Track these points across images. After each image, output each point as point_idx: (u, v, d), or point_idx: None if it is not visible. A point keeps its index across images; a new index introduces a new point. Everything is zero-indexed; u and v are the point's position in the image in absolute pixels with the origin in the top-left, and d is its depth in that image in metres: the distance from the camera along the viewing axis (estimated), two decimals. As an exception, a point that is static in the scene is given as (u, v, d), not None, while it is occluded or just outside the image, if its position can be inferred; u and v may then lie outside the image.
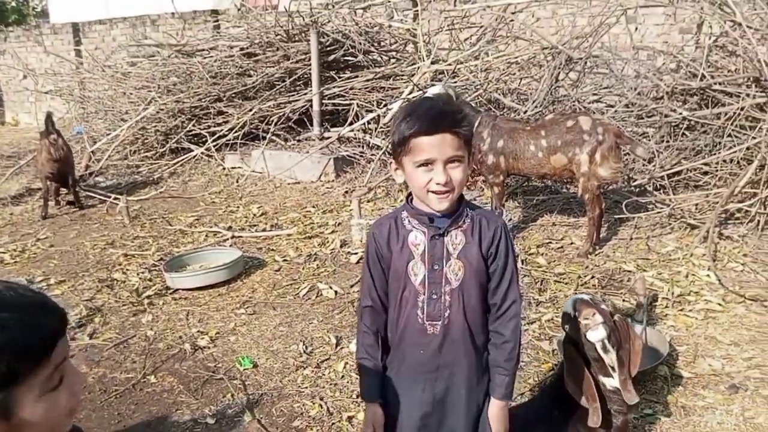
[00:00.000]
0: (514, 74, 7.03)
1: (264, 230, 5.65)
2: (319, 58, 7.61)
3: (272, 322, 3.97)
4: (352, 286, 4.35)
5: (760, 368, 3.12)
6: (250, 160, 7.75)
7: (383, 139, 7.07)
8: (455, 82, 6.66)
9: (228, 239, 5.46)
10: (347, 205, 6.05)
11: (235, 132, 7.98)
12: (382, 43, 8.54)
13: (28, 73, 12.48)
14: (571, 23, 6.74)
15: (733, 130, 5.05)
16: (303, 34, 8.15)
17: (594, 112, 5.45)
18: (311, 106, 7.83)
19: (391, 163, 1.75)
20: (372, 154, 7.00)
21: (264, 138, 7.86)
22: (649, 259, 4.47)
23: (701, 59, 5.42)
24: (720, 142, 5.14)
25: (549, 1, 7.38)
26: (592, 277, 4.24)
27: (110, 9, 14.54)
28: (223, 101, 8.32)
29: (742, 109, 5.00)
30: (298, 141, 8.00)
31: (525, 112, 6.10)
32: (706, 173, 5.22)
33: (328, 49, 8.07)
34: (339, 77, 8.06)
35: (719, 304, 3.76)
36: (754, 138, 4.76)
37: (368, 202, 6.11)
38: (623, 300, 3.90)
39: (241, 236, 5.51)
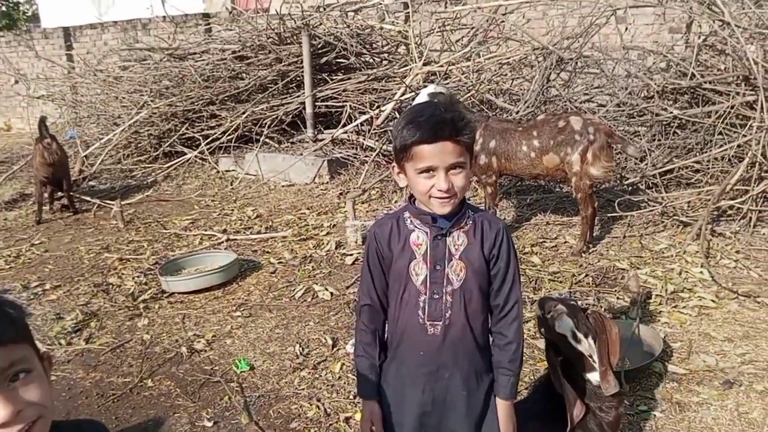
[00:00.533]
0: (506, 75, 7.07)
1: (259, 233, 5.66)
2: (311, 61, 7.63)
3: (268, 324, 3.98)
4: (347, 288, 4.36)
5: (753, 363, 3.15)
6: (243, 162, 7.75)
7: (376, 140, 7.09)
8: (447, 83, 6.68)
9: (223, 242, 5.46)
10: (342, 206, 6.07)
11: (229, 135, 7.98)
12: (374, 45, 8.56)
13: (20, 78, 12.43)
14: (562, 24, 6.78)
15: (723, 128, 5.09)
16: (295, 37, 8.16)
17: (585, 112, 5.49)
18: (304, 108, 7.84)
19: (393, 167, 1.75)
20: (366, 156, 7.02)
21: (257, 141, 7.87)
22: (643, 256, 4.51)
23: (691, 58, 5.47)
24: (711, 140, 5.19)
25: (539, 2, 7.42)
26: (586, 275, 4.27)
27: (101, 13, 14.52)
28: (216, 104, 8.32)
29: (732, 107, 5.05)
30: (292, 143, 8.01)
31: (517, 113, 6.14)
32: (697, 171, 5.26)
33: (320, 51, 8.09)
34: (331, 79, 8.08)
35: (713, 301, 3.79)
36: (744, 136, 4.81)
37: (362, 203, 6.13)
38: (617, 298, 3.93)
39: (236, 239, 5.51)
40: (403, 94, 6.93)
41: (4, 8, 19.00)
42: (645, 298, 3.84)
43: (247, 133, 8.08)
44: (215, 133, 8.10)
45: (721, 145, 4.99)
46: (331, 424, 2.92)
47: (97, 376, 3.50)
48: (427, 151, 1.59)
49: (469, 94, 6.58)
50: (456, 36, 8.02)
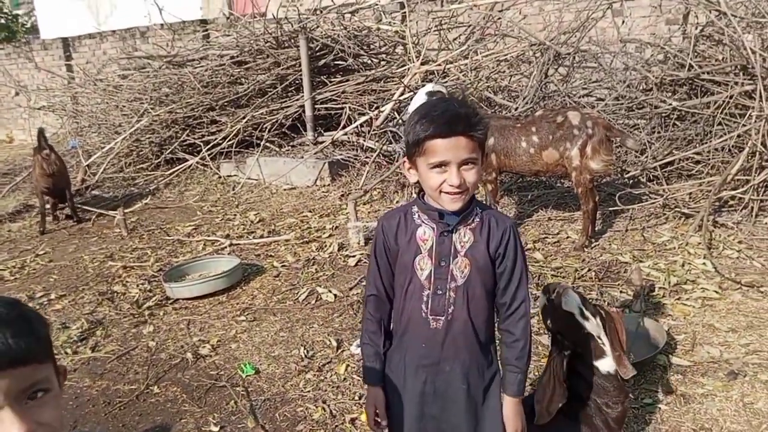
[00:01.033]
0: (504, 72, 7.07)
1: (262, 237, 5.67)
2: (309, 64, 7.64)
3: (273, 327, 3.99)
4: (351, 289, 4.37)
5: (758, 354, 3.15)
6: (245, 167, 7.77)
7: (377, 141, 7.10)
8: (446, 82, 6.69)
9: (226, 247, 5.47)
10: (344, 208, 6.08)
11: (229, 140, 8.00)
12: (372, 46, 8.56)
13: (20, 90, 12.49)
14: (558, 19, 6.78)
15: (723, 118, 5.09)
16: (292, 41, 8.17)
17: (584, 106, 5.48)
18: (304, 111, 7.86)
19: (404, 162, 1.76)
20: (366, 157, 7.03)
21: (258, 145, 7.88)
22: (645, 249, 4.50)
23: (688, 49, 5.46)
24: (711, 131, 5.18)
25: (536, -2, 7.42)
26: (589, 269, 4.27)
27: (100, 23, 14.57)
28: (216, 110, 8.33)
29: (731, 97, 5.04)
30: (293, 147, 8.02)
31: (516, 109, 6.14)
32: (698, 162, 5.25)
33: (318, 54, 8.10)
34: (330, 81, 8.09)
35: (716, 292, 3.79)
36: (744, 125, 4.80)
37: (364, 204, 6.14)
38: (620, 291, 3.93)
39: (239, 244, 5.53)
40: (402, 94, 6.94)
41: (3, 21, 19.08)
42: (648, 291, 3.84)
43: (247, 138, 8.09)
44: (216, 139, 8.11)
45: (721, 136, 4.98)
46: (336, 426, 2.93)
47: (104, 384, 3.52)
48: (441, 145, 1.60)
49: (467, 92, 6.57)
50: (453, 34, 8.02)
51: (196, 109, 8.34)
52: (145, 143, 8.74)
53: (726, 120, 5.09)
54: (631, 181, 5.54)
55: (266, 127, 7.97)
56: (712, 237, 4.51)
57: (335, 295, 4.30)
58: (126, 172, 8.55)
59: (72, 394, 3.43)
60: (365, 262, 4.56)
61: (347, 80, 7.92)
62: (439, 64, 7.02)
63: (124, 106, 9.11)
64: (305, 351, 3.62)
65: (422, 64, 7.07)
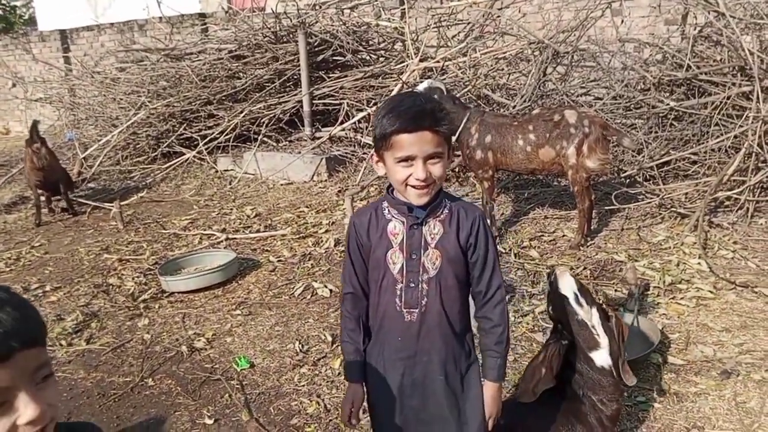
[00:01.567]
0: (503, 70, 7.07)
1: (258, 231, 5.67)
2: (307, 59, 7.63)
3: (268, 322, 4.00)
4: (346, 285, 4.37)
5: (751, 353, 3.16)
6: (242, 162, 7.76)
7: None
8: (444, 79, 6.69)
9: (222, 241, 5.47)
10: (340, 204, 6.08)
11: (227, 134, 7.99)
12: (371, 42, 8.56)
13: (17, 81, 12.45)
14: (557, 17, 6.78)
15: (720, 119, 5.10)
16: (291, 35, 8.16)
17: (582, 105, 5.49)
18: (301, 106, 7.85)
19: (372, 155, 1.79)
20: (364, 153, 7.03)
21: (255, 140, 7.87)
22: (640, 248, 4.52)
23: (687, 50, 5.47)
24: (708, 132, 5.19)
25: (535, -4, 7.43)
26: (585, 268, 4.28)
27: (98, 15, 14.51)
28: (213, 104, 8.32)
29: (728, 98, 5.06)
30: (290, 142, 8.01)
31: (514, 107, 6.14)
32: (694, 162, 5.27)
33: (317, 49, 8.09)
34: (328, 77, 8.08)
35: (710, 292, 3.80)
36: (741, 126, 4.81)
37: (361, 200, 6.14)
38: (615, 290, 3.94)
39: (235, 238, 5.53)
40: (400, 91, 6.94)
41: (0, 12, 19.00)
42: (643, 289, 3.85)
43: (245, 133, 8.08)
44: (213, 133, 8.10)
45: (718, 136, 5.00)
46: (331, 420, 2.93)
47: (98, 376, 3.52)
48: (407, 140, 1.63)
49: (466, 90, 6.58)
50: (452, 32, 8.03)
51: (193, 103, 8.33)
52: (142, 136, 8.73)
53: (723, 121, 5.11)
54: (627, 181, 5.55)
55: (264, 122, 7.97)
56: (707, 237, 4.53)
57: (331, 291, 4.30)
58: (122, 165, 8.54)
59: (66, 385, 3.43)
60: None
61: (345, 76, 7.91)
62: (438, 61, 7.02)
63: (121, 99, 9.10)
64: (300, 345, 3.63)
65: (421, 60, 7.06)
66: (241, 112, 7.98)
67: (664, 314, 3.62)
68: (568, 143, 4.39)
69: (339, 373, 3.32)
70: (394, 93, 6.94)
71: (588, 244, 4.66)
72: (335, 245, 5.07)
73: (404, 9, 8.61)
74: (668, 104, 5.43)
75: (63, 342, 3.89)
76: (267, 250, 5.21)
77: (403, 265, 1.76)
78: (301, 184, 7.05)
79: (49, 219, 6.79)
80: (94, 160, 8.38)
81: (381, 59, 8.22)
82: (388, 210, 1.79)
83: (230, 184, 7.45)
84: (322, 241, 5.21)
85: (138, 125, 8.56)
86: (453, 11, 8.04)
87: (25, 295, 4.67)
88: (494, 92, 6.74)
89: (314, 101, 7.83)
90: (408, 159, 1.64)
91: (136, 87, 9.01)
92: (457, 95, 5.72)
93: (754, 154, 4.66)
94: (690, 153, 5.16)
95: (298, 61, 7.73)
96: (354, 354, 1.88)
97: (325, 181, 7.00)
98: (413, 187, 1.68)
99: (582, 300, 2.04)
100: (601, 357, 2.05)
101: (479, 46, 7.28)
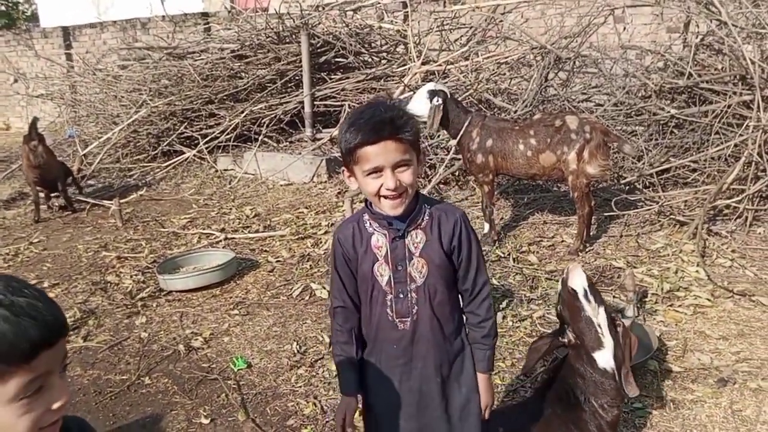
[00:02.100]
0: (504, 74, 7.08)
1: (257, 231, 5.67)
2: (310, 60, 7.64)
3: (266, 322, 3.99)
4: (345, 286, 4.37)
5: (748, 362, 3.16)
6: (242, 162, 7.76)
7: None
8: (446, 83, 6.70)
9: (221, 241, 5.47)
10: (340, 205, 6.08)
11: (227, 134, 8.00)
12: (373, 45, 8.58)
13: (19, 77, 12.45)
14: (560, 23, 6.80)
15: (720, 127, 5.10)
16: (294, 36, 8.18)
17: (583, 111, 5.50)
18: (303, 107, 7.85)
19: (343, 170, 1.78)
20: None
21: (256, 140, 7.88)
22: (639, 255, 4.52)
23: (688, 58, 5.48)
24: (708, 140, 5.20)
25: (538, 2, 7.44)
26: (583, 274, 4.27)
27: (101, 12, 14.52)
28: (215, 103, 8.33)
29: (728, 106, 5.06)
30: (291, 142, 8.02)
31: (515, 112, 6.15)
32: (694, 170, 5.27)
33: (319, 50, 8.11)
34: (330, 78, 8.09)
35: (708, 300, 3.80)
36: (741, 135, 4.82)
37: (361, 202, 6.13)
38: (613, 296, 3.94)
39: (234, 238, 5.53)
40: (402, 94, 6.94)
41: (3, 8, 19.00)
42: (641, 296, 3.86)
43: (245, 132, 8.09)
44: (214, 132, 8.11)
45: (718, 145, 5.00)
46: (327, 422, 2.93)
47: (95, 374, 3.51)
48: (371, 151, 1.62)
49: (467, 93, 6.59)
50: (454, 35, 8.04)
51: (195, 102, 8.34)
52: (143, 134, 8.74)
53: (723, 129, 5.11)
54: (627, 187, 5.56)
55: (265, 122, 7.98)
56: (705, 245, 4.53)
57: (329, 292, 4.29)
58: (122, 163, 8.54)
59: (63, 382, 3.42)
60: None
61: (347, 78, 7.93)
62: (440, 65, 7.03)
63: (122, 97, 9.10)
64: (298, 346, 3.63)
65: (423, 63, 7.08)
66: (242, 111, 7.99)
67: (661, 321, 3.62)
68: (569, 149, 4.40)
69: (336, 375, 3.31)
70: (396, 95, 6.96)
71: (587, 250, 4.66)
72: (334, 247, 5.06)
73: (407, 12, 8.63)
74: (669, 112, 5.44)
75: (60, 339, 3.88)
76: (266, 251, 5.21)
77: (390, 277, 1.77)
78: (300, 185, 7.05)
79: (48, 216, 6.78)
80: (94, 158, 8.38)
81: (383, 61, 8.24)
82: (370, 223, 1.79)
83: (230, 183, 7.46)
84: (321, 243, 5.21)
85: (139, 123, 8.56)
86: (456, 15, 8.06)
87: (22, 291, 4.66)
88: (496, 96, 6.74)
89: (315, 102, 7.84)
90: (376, 170, 1.64)
91: (138, 85, 9.02)
92: (459, 99, 5.73)
93: (753, 163, 4.67)
94: (690, 161, 5.17)
95: (300, 61, 7.74)
96: (348, 366, 1.88)
97: (325, 182, 7.00)
98: (386, 197, 1.67)
99: (591, 297, 2.04)
100: (604, 358, 2.04)
101: (481, 50, 7.30)
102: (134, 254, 5.33)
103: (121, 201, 6.53)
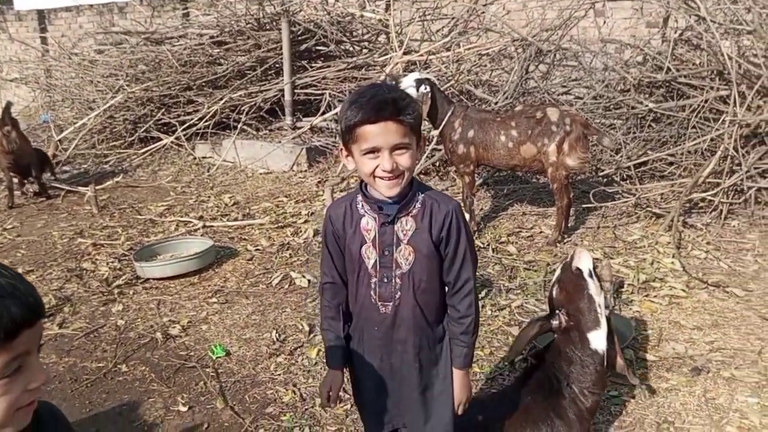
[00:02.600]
0: (485, 66, 7.09)
1: (236, 220, 5.62)
2: (290, 48, 7.58)
3: (245, 310, 3.97)
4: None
5: (721, 351, 3.23)
6: (221, 149, 7.69)
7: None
8: (427, 73, 6.69)
9: (199, 229, 5.42)
10: (320, 194, 6.06)
11: (206, 121, 7.90)
12: (355, 33, 8.53)
13: (-9, 60, 12.17)
14: (541, 16, 6.82)
15: (697, 121, 5.17)
16: (274, 23, 8.10)
17: (563, 104, 5.54)
18: (283, 95, 7.79)
19: (341, 150, 1.76)
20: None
21: (235, 127, 7.80)
22: (616, 247, 4.58)
23: (667, 53, 5.54)
24: (685, 134, 5.27)
25: (520, -6, 7.45)
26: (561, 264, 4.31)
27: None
28: (193, 90, 8.23)
29: (706, 101, 5.13)
30: (270, 131, 7.96)
31: (496, 104, 6.17)
32: (671, 164, 5.34)
33: (300, 38, 8.04)
34: (311, 67, 8.03)
35: (683, 291, 3.87)
36: (717, 129, 4.89)
37: (341, 191, 6.11)
38: (591, 287, 3.98)
39: (212, 226, 5.48)
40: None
41: (-25, -12, 18.53)
42: (617, 287, 3.91)
43: (224, 120, 8.00)
44: (192, 119, 8.01)
45: (695, 139, 5.07)
46: (306, 409, 2.93)
47: (71, 361, 3.47)
48: (370, 131, 1.61)
49: (449, 85, 6.59)
50: (436, 26, 8.03)
51: (172, 88, 8.22)
52: (119, 120, 8.60)
53: (700, 123, 5.18)
54: (605, 180, 5.62)
55: (244, 110, 7.90)
56: (681, 237, 4.60)
57: (309, 281, 4.29)
58: (98, 149, 8.41)
59: (37, 369, 3.37)
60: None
61: (328, 66, 7.87)
62: (422, 55, 7.02)
63: (98, 82, 8.95)
64: (277, 335, 3.61)
65: (404, 53, 7.06)
66: (221, 98, 7.90)
67: (637, 311, 3.67)
68: (549, 141, 4.42)
69: (315, 363, 3.31)
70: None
71: (565, 241, 4.71)
72: (314, 236, 5.05)
73: (389, 1, 8.59)
74: (647, 106, 5.50)
75: (34, 326, 3.82)
76: (245, 239, 5.17)
77: (376, 260, 1.77)
78: (280, 174, 7.01)
79: (22, 201, 6.66)
80: (70, 143, 8.23)
81: (365, 51, 8.20)
82: (362, 204, 1.79)
83: (208, 171, 7.38)
84: (300, 231, 5.19)
85: (115, 109, 8.43)
86: (437, 5, 8.04)
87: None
88: (477, 88, 6.76)
89: (296, 90, 7.78)
90: (374, 150, 1.63)
91: (114, 70, 8.87)
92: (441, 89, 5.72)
93: (729, 157, 4.74)
94: (667, 154, 5.23)
95: (281, 49, 7.67)
96: (334, 341, 1.90)
97: (305, 171, 6.97)
98: (381, 178, 1.66)
99: (594, 277, 2.10)
100: (597, 339, 2.09)
101: (463, 41, 7.30)
102: (110, 241, 5.26)
103: (97, 187, 6.44)
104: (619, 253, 4.45)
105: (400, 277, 1.77)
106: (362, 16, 8.24)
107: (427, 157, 5.95)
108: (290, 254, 4.77)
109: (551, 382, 2.15)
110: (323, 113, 7.40)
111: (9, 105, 6.45)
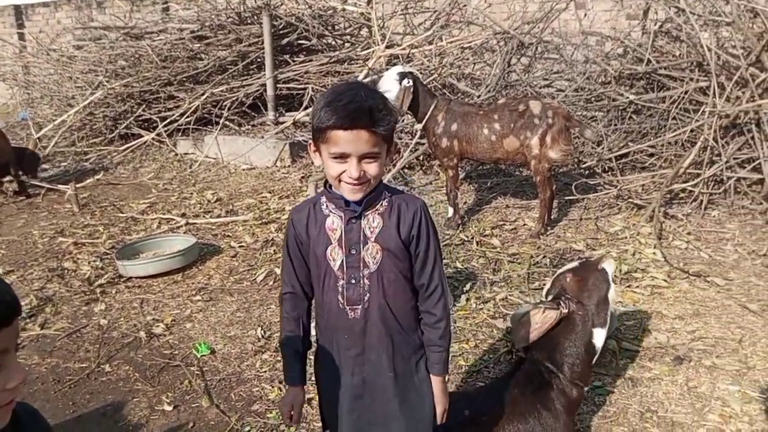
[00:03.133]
0: (468, 59, 7.10)
1: (219, 216, 5.59)
2: (272, 42, 7.53)
3: (229, 308, 3.95)
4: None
5: (703, 340, 3.27)
6: (203, 145, 7.63)
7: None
8: (410, 67, 6.68)
9: (182, 226, 5.38)
10: (304, 190, 6.04)
11: (187, 117, 7.83)
12: (337, 27, 8.49)
13: (-33, 57, 11.96)
14: (523, 9, 6.84)
15: (677, 113, 5.22)
16: (255, 17, 8.04)
17: (545, 97, 5.56)
18: (265, 90, 7.74)
19: (310, 144, 1.71)
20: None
21: (217, 123, 7.74)
22: (598, 238, 4.61)
23: (647, 45, 5.58)
24: (665, 125, 5.32)
25: (501, -14, 7.46)
26: (544, 256, 4.35)
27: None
28: (174, 85, 8.15)
29: (685, 92, 5.18)
30: (253, 126, 7.91)
31: (479, 97, 6.18)
32: (652, 155, 5.39)
33: (282, 32, 7.99)
34: (293, 61, 7.99)
35: (665, 281, 3.91)
36: (697, 121, 4.94)
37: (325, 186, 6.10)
38: (574, 278, 4.01)
39: (195, 223, 5.44)
40: (366, 77, 6.90)
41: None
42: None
43: (206, 115, 7.94)
44: (173, 115, 7.93)
45: (675, 130, 5.12)
46: (292, 406, 2.92)
47: (53, 362, 3.43)
48: (342, 137, 1.55)
49: (431, 78, 6.59)
50: (419, 19, 8.02)
51: (153, 84, 8.14)
52: (99, 117, 8.50)
53: (680, 115, 5.23)
54: (587, 172, 5.66)
55: (226, 105, 7.84)
56: (662, 228, 4.65)
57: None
58: (78, 146, 8.31)
59: (19, 371, 3.33)
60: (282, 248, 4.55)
61: (311, 60, 7.84)
62: (404, 49, 7.01)
63: (78, 78, 8.83)
64: (262, 331, 3.60)
65: (387, 47, 7.04)
66: (203, 94, 7.83)
67: (620, 302, 3.71)
68: (532, 133, 4.44)
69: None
70: (359, 78, 6.91)
71: (548, 233, 4.74)
72: (298, 231, 5.03)
73: (371, -6, 8.55)
74: (628, 98, 5.54)
75: (15, 327, 3.77)
76: (228, 236, 5.14)
77: (343, 261, 1.70)
78: (263, 170, 6.97)
79: (1, 200, 6.57)
80: (49, 141, 8.13)
81: (347, 44, 8.17)
82: (326, 204, 1.72)
83: (190, 167, 7.33)
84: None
85: (95, 105, 8.33)
86: (419, -2, 8.04)
87: (-25, 278, 4.52)
88: (459, 81, 6.76)
89: (278, 85, 7.74)
90: (342, 156, 1.58)
91: (94, 66, 8.76)
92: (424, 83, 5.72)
93: (709, 147, 4.79)
94: (648, 146, 5.28)
95: (262, 43, 7.61)
96: (293, 357, 1.81)
97: (289, 166, 6.94)
98: (347, 183, 1.62)
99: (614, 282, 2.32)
100: (599, 336, 2.24)
101: (445, 34, 7.29)
102: (92, 240, 5.21)
103: (78, 185, 6.36)
104: (601, 245, 4.49)
105: (369, 278, 1.70)
106: (344, 9, 8.20)
107: (411, 151, 5.95)
108: (274, 250, 4.75)
109: (541, 375, 2.17)
110: (306, 108, 7.37)
111: None
